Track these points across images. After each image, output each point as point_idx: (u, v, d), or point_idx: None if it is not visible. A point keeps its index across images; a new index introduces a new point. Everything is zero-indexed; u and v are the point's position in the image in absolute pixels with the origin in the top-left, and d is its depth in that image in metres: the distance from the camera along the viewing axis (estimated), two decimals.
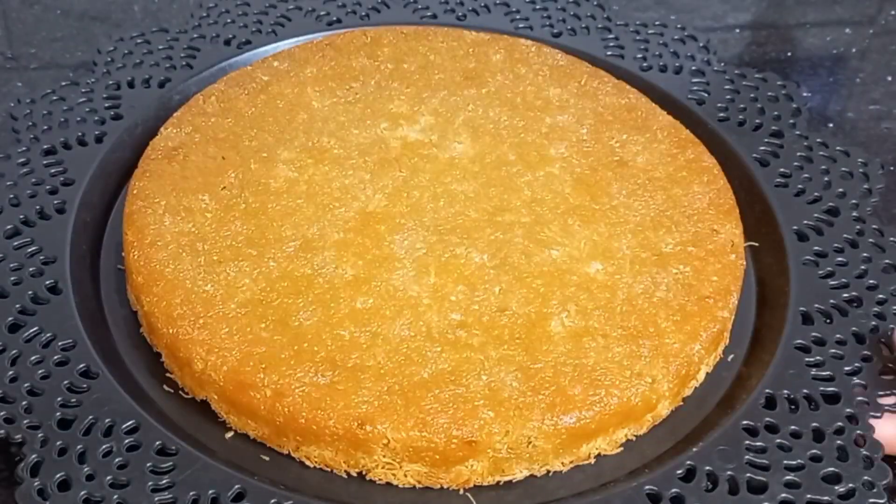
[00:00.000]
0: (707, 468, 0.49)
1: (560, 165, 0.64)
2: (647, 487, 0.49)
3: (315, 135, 0.64)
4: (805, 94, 0.70)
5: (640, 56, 0.75)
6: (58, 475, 0.47)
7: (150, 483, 0.47)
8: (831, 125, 0.69)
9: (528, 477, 0.52)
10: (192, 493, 0.47)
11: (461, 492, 0.51)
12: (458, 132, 0.65)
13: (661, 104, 0.69)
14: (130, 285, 0.57)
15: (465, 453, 0.50)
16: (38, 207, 0.60)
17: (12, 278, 0.56)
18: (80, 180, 0.61)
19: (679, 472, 0.49)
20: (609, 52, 0.75)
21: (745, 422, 0.52)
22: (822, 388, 0.53)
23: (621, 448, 0.53)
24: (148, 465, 0.48)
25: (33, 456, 0.48)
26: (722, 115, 0.70)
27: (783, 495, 0.48)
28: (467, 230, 0.59)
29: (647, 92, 0.70)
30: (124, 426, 0.49)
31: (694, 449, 0.51)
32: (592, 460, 0.53)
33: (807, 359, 0.55)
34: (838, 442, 0.51)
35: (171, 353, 0.53)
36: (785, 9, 0.82)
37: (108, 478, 0.47)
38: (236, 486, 0.47)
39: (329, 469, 0.51)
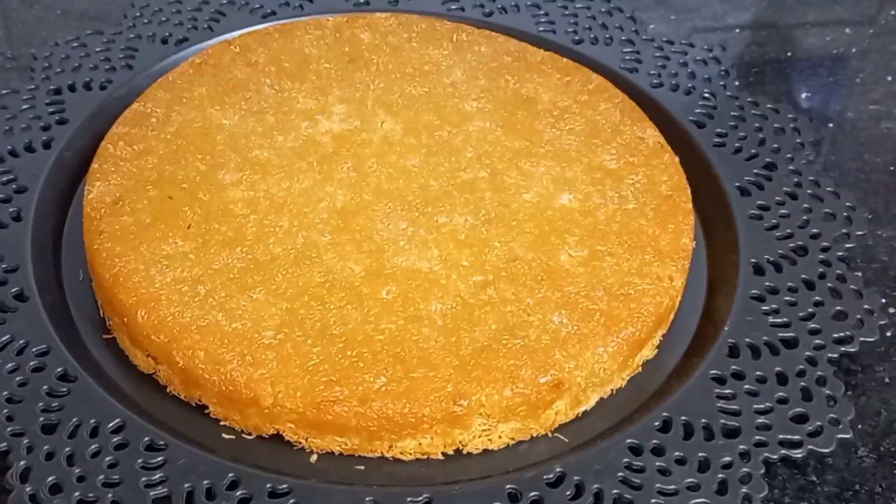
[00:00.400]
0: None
1: (482, 118, 0.66)
2: (711, 372, 0.54)
3: (244, 151, 0.62)
4: (805, 94, 0.71)
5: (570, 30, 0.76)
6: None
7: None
8: (831, 125, 0.71)
9: (598, 401, 0.54)
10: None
11: (550, 435, 0.53)
12: (376, 112, 0.66)
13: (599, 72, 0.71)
14: (148, 347, 0.53)
15: (553, 396, 0.52)
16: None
17: None
18: (32, 187, 0.60)
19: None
20: (541, 29, 0.76)
21: (712, 371, 0.54)
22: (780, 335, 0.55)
23: (657, 349, 0.57)
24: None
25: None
26: (655, 81, 0.71)
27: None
28: (438, 198, 0.60)
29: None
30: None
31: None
32: (640, 368, 0.56)
33: (763, 307, 0.56)
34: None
35: (229, 398, 0.51)
36: (785, 9, 0.83)
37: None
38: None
39: (425, 456, 0.51)
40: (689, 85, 0.71)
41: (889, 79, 0.76)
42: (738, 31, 0.80)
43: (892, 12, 0.82)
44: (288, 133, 0.63)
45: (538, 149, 0.63)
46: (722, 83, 0.71)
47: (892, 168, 0.67)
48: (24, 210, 0.59)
